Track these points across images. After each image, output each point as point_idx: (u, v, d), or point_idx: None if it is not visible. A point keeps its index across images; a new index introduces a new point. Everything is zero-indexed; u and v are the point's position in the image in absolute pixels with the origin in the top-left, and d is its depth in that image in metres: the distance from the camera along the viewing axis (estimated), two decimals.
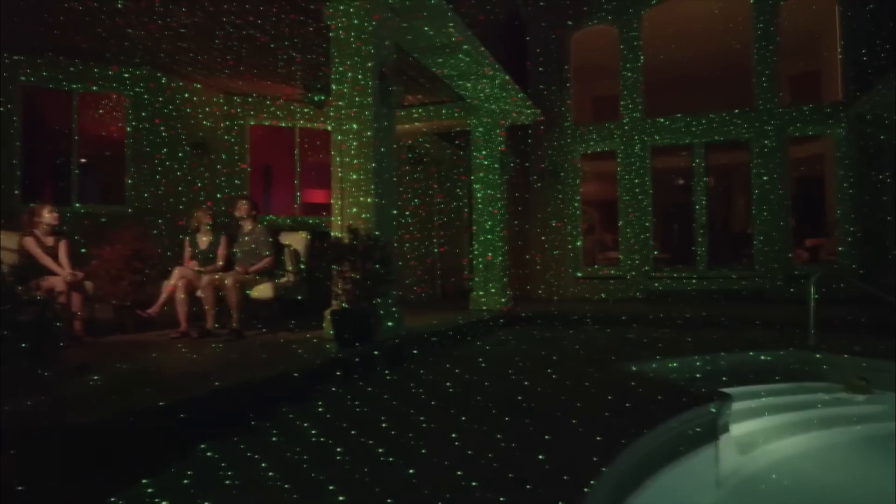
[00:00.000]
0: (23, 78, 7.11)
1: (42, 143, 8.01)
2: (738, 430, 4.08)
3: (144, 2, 5.86)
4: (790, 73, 11.55)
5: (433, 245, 11.66)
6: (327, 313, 5.35)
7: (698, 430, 3.52)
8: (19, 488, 1.90)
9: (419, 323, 6.57)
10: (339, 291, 5.05)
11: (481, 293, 8.90)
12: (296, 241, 6.34)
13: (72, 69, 7.34)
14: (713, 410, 3.64)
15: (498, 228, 9.00)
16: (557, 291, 11.23)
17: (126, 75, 7.63)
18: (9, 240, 5.59)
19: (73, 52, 7.16)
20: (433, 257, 11.69)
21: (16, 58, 7.02)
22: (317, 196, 12.51)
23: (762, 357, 5.57)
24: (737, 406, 4.04)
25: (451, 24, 6.15)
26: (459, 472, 2.49)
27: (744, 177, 11.34)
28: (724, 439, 3.72)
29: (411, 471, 2.53)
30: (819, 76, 11.59)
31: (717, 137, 10.66)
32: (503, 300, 8.89)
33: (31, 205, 5.80)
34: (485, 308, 8.70)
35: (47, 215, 5.57)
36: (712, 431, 3.62)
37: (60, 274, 5.28)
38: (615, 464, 2.58)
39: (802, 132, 10.36)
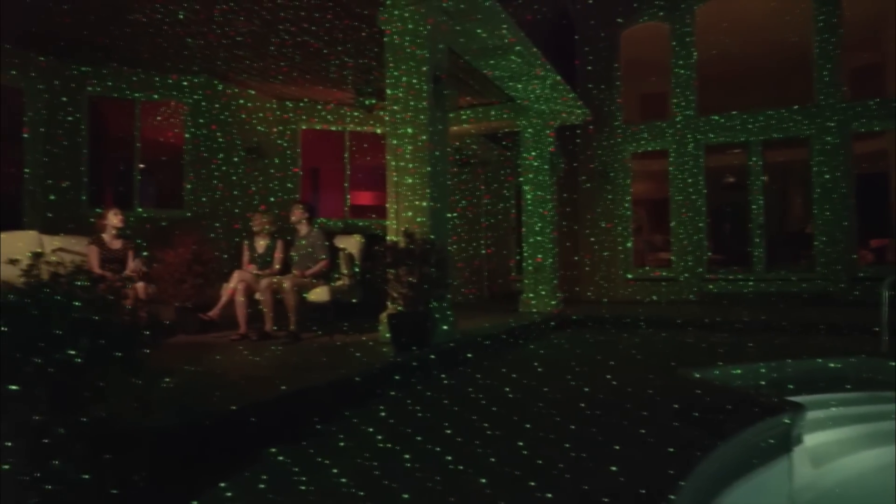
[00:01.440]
0: (90, 88, 7.41)
1: (106, 150, 8.32)
2: (809, 441, 3.93)
3: (204, 13, 6.03)
4: (851, 66, 11.07)
5: (480, 246, 11.64)
6: (383, 316, 5.39)
7: (771, 441, 3.40)
8: (113, 492, 1.97)
9: (470, 325, 6.57)
10: (396, 295, 5.08)
11: (531, 295, 8.83)
12: (350, 244, 6.41)
13: (134, 79, 7.61)
14: (787, 421, 3.51)
15: (548, 230, 8.91)
16: (607, 293, 11.06)
17: (185, 83, 7.87)
18: (78, 244, 5.83)
19: (135, 63, 7.42)
20: (480, 259, 11.67)
21: (84, 69, 7.32)
22: (364, 198, 12.64)
23: (831, 364, 5.35)
24: (808, 416, 3.89)
25: (505, 26, 6.12)
26: (532, 483, 2.46)
27: (803, 175, 10.92)
28: (797, 452, 3.59)
29: (483, 480, 2.51)
30: (882, 68, 11.08)
31: (775, 134, 10.30)
32: (553, 302, 8.80)
33: (97, 210, 6.05)
34: (535, 310, 8.63)
35: (113, 218, 5.79)
36: (785, 443, 3.49)
37: (132, 272, 5.48)
38: (692, 477, 2.51)
39: (867, 127, 9.92)
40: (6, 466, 1.97)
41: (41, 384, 1.85)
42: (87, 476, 1.90)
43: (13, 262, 2.05)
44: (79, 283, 2.04)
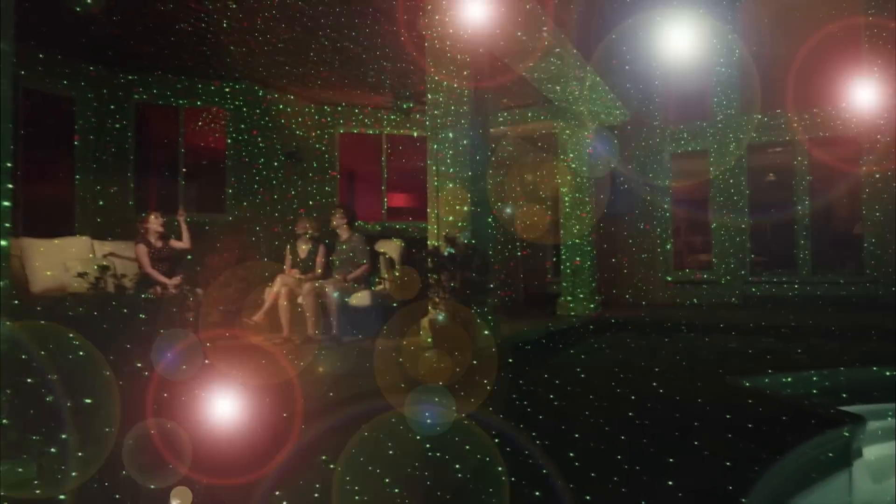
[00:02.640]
0: (136, 96, 7.60)
1: (152, 156, 8.51)
2: (869, 454, 3.80)
3: (247, 21, 6.12)
4: None
5: (516, 248, 11.56)
6: (425, 321, 5.39)
7: (830, 455, 3.30)
8: None
9: (509, 329, 6.52)
10: (437, 300, 5.07)
11: (569, 298, 8.74)
12: (390, 248, 6.44)
13: (178, 86, 7.77)
14: (846, 434, 3.39)
15: (586, 233, 8.81)
16: (646, 296, 10.88)
17: (227, 90, 8.01)
18: (128, 249, 5.98)
19: (180, 70, 7.59)
20: (516, 260, 11.59)
21: (131, 77, 7.51)
22: (398, 200, 12.67)
23: (887, 373, 5.16)
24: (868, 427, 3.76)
25: (545, 29, 6.07)
26: (588, 497, 2.43)
27: (851, 174, 10.55)
28: (856, 465, 3.47)
29: (537, 493, 2.49)
30: None
31: (822, 133, 9.99)
32: (592, 305, 8.70)
33: (142, 214, 6.22)
34: (573, 314, 8.54)
35: (154, 222, 5.93)
36: (845, 457, 3.38)
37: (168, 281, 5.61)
38: (754, 493, 2.45)
39: None
40: (75, 473, 2.03)
41: (111, 397, 1.89)
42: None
43: (82, 275, 2.10)
44: (144, 296, 2.08)
